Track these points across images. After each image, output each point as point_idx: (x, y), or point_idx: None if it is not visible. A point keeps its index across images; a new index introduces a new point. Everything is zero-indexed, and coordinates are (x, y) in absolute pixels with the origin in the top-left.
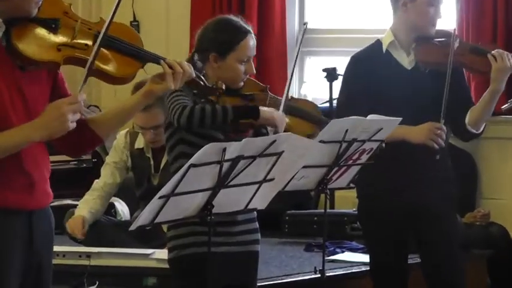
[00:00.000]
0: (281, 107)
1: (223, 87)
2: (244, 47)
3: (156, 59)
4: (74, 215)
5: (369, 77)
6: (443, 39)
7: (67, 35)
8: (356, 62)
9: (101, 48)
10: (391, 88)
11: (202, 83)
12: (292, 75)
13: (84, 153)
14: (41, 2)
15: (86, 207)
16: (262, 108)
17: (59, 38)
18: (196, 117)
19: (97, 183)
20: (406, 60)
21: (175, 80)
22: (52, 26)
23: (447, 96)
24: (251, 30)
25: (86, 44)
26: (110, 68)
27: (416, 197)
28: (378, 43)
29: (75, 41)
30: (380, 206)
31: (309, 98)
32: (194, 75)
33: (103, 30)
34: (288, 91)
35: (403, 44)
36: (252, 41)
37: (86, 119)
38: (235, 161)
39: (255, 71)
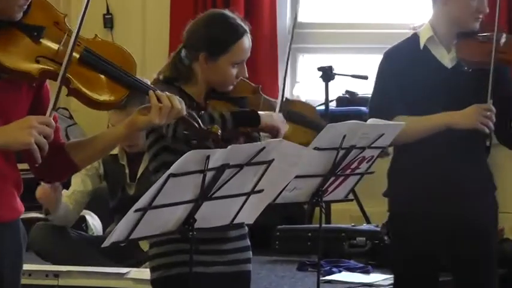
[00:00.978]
0: (277, 110)
1: (219, 132)
2: (239, 49)
3: (144, 89)
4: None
5: (405, 76)
6: (487, 34)
7: (50, 47)
8: (390, 59)
9: (84, 68)
10: (429, 88)
11: (196, 124)
12: (285, 75)
13: (59, 178)
14: (25, 6)
15: None
16: (261, 113)
17: (40, 49)
18: None
19: (66, 193)
20: (446, 58)
21: (162, 114)
22: (34, 34)
23: (493, 74)
24: (248, 30)
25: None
26: (90, 90)
27: (456, 208)
28: (415, 38)
29: (58, 54)
30: (414, 217)
31: (303, 100)
32: (184, 113)
33: (75, 31)
34: (283, 93)
35: (443, 40)
36: (248, 42)
37: (64, 143)
38: (219, 170)
39: (247, 74)
